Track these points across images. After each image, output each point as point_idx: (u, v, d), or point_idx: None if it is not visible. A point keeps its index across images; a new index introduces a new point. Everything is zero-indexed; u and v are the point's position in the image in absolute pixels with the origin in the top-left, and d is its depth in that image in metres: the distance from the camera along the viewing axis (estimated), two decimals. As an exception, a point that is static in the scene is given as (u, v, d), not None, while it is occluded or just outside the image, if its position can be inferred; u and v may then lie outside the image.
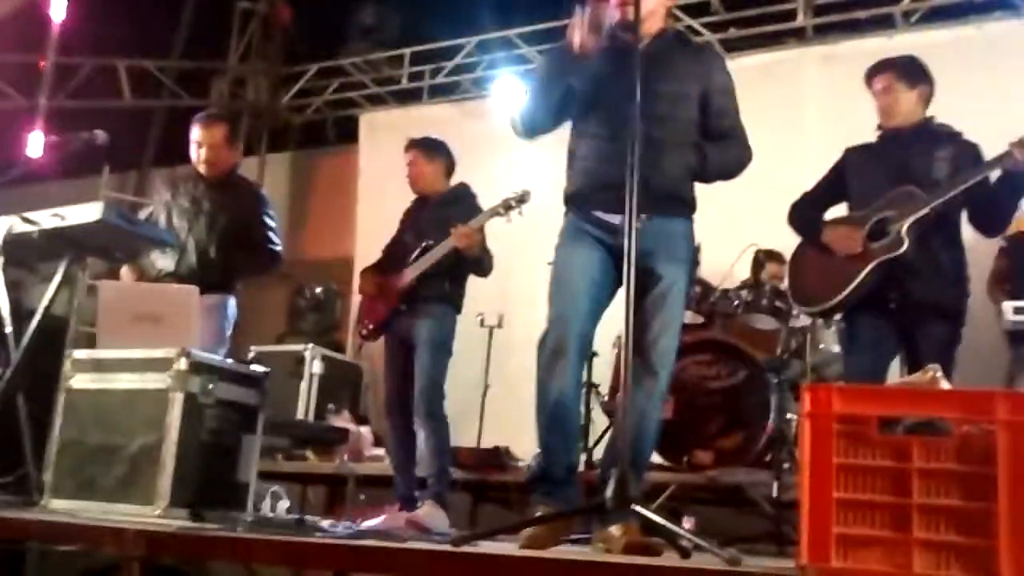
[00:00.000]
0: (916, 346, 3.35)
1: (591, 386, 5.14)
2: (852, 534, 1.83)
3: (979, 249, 3.94)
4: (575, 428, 3.00)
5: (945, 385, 1.98)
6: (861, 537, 1.83)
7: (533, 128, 3.14)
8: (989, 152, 3.42)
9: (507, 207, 4.21)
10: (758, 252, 4.92)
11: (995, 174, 3.36)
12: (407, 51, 7.63)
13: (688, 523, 4.00)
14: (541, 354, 2.91)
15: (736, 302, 4.71)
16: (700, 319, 4.87)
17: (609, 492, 2.35)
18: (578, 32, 2.84)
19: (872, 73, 3.64)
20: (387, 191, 5.28)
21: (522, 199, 4.21)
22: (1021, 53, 5.50)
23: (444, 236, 4.26)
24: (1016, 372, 4.62)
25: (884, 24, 6.19)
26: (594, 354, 4.86)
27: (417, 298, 4.32)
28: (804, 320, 4.49)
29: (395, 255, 4.56)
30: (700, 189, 3.15)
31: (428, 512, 4.01)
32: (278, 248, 4.37)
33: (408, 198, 4.68)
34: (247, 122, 8.14)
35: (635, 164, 2.46)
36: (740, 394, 4.45)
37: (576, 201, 3.06)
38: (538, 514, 2.76)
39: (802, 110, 6.04)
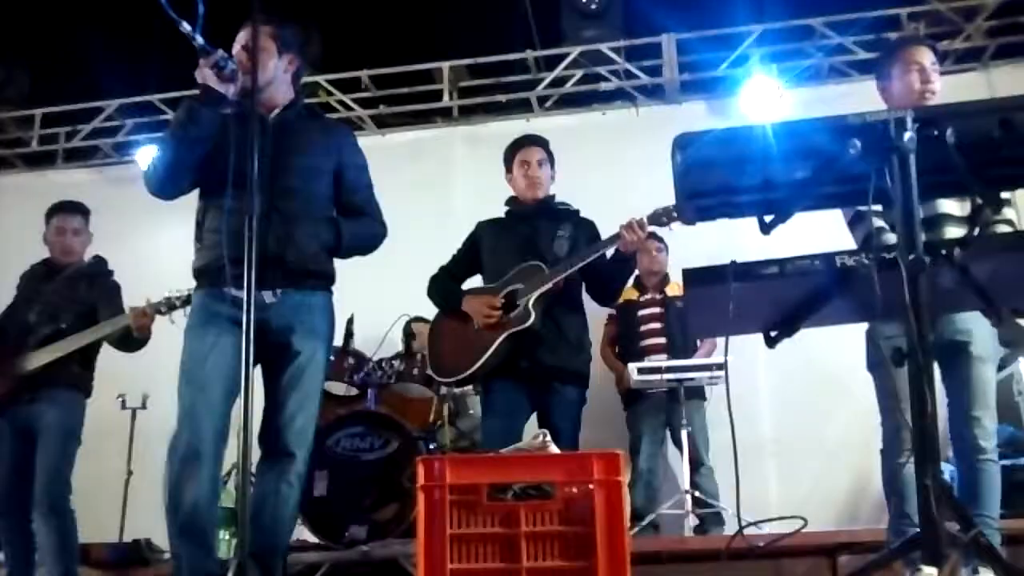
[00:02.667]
0: (547, 409, 3.57)
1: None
2: (467, 605, 1.87)
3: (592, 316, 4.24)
4: (212, 534, 2.78)
5: (554, 449, 2.10)
6: (476, 606, 1.87)
7: (169, 186, 2.93)
8: (606, 228, 3.75)
9: (171, 307, 3.84)
10: (409, 321, 5.02)
11: (611, 251, 3.68)
12: (38, 111, 7.05)
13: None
14: (172, 458, 2.72)
15: (389, 372, 4.75)
16: (354, 391, 4.86)
17: (229, 583, 2.24)
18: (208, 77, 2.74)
19: (527, 143, 3.87)
20: (12, 261, 4.76)
21: (187, 300, 3.76)
22: (638, 138, 6.13)
23: (78, 313, 3.99)
24: (636, 428, 5.07)
25: (523, 108, 6.69)
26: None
27: (40, 383, 3.92)
28: (456, 388, 4.62)
29: (12, 329, 4.09)
30: (354, 259, 3.14)
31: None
32: None
33: (38, 269, 4.28)
34: None
35: (253, 238, 2.36)
36: (394, 464, 4.44)
37: (207, 277, 2.90)
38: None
39: (450, 185, 6.32)
